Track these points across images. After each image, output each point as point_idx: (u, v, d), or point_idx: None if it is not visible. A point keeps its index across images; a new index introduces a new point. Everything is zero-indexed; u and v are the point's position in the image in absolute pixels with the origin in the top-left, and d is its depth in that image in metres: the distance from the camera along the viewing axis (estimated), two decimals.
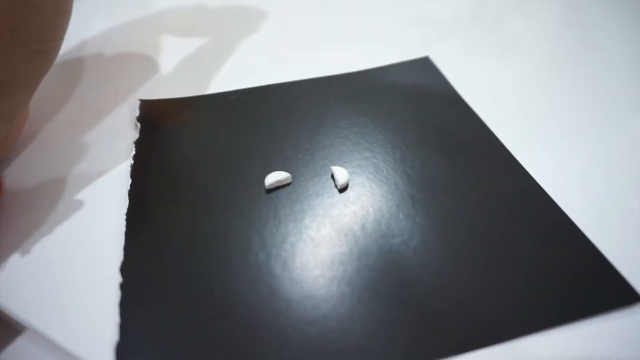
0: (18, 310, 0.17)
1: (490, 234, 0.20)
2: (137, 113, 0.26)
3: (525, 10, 0.39)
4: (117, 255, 0.19)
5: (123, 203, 0.21)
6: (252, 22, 0.35)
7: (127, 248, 0.19)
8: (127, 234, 0.20)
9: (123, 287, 0.18)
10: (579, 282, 0.18)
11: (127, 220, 0.20)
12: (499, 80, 0.30)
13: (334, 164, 0.23)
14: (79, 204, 0.21)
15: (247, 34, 0.33)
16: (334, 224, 0.20)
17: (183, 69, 0.30)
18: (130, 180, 0.22)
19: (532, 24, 0.37)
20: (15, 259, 0.19)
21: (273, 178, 0.22)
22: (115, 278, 0.18)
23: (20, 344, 0.17)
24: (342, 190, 0.22)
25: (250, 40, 0.33)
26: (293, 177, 0.22)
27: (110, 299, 0.18)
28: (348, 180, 0.22)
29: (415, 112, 0.26)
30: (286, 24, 0.35)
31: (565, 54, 0.33)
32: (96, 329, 0.17)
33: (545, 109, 0.27)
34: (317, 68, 0.30)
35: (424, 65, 0.30)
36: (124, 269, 0.18)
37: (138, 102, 0.27)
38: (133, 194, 0.21)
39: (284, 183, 0.22)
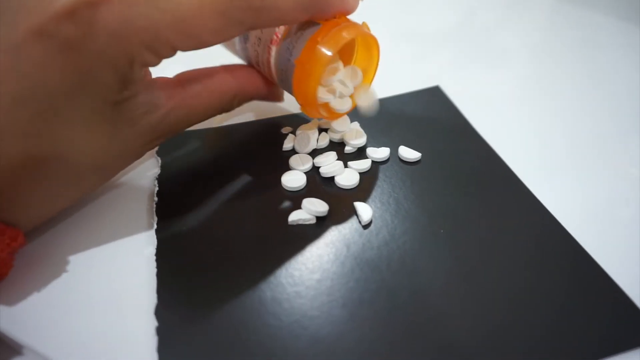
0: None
1: (513, 273, 0.21)
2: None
3: (551, 49, 0.40)
4: (144, 294, 0.20)
5: (149, 240, 0.22)
6: None
7: (160, 291, 0.19)
8: (159, 276, 0.20)
9: (160, 331, 0.18)
10: (602, 321, 0.19)
11: (157, 261, 0.21)
12: (508, 108, 0.31)
13: (356, 198, 0.24)
14: (103, 239, 0.22)
15: None
16: (360, 261, 0.21)
17: None
18: (156, 218, 0.22)
19: (555, 59, 0.38)
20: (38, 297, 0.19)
21: (296, 215, 0.22)
22: (143, 317, 0.19)
23: None
24: (366, 226, 0.22)
25: None
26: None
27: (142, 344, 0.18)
28: (372, 217, 0.23)
29: (430, 144, 0.27)
30: None
31: (575, 85, 0.34)
32: None
33: (557, 138, 0.28)
34: None
35: (435, 94, 0.31)
36: (159, 312, 0.19)
37: None
38: (161, 232, 0.22)
39: (307, 222, 0.23)
